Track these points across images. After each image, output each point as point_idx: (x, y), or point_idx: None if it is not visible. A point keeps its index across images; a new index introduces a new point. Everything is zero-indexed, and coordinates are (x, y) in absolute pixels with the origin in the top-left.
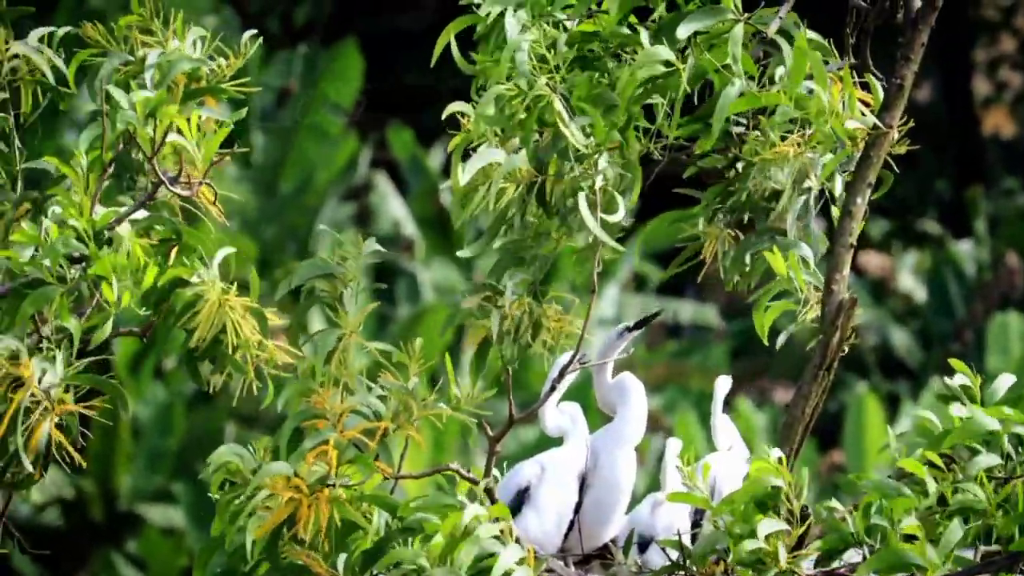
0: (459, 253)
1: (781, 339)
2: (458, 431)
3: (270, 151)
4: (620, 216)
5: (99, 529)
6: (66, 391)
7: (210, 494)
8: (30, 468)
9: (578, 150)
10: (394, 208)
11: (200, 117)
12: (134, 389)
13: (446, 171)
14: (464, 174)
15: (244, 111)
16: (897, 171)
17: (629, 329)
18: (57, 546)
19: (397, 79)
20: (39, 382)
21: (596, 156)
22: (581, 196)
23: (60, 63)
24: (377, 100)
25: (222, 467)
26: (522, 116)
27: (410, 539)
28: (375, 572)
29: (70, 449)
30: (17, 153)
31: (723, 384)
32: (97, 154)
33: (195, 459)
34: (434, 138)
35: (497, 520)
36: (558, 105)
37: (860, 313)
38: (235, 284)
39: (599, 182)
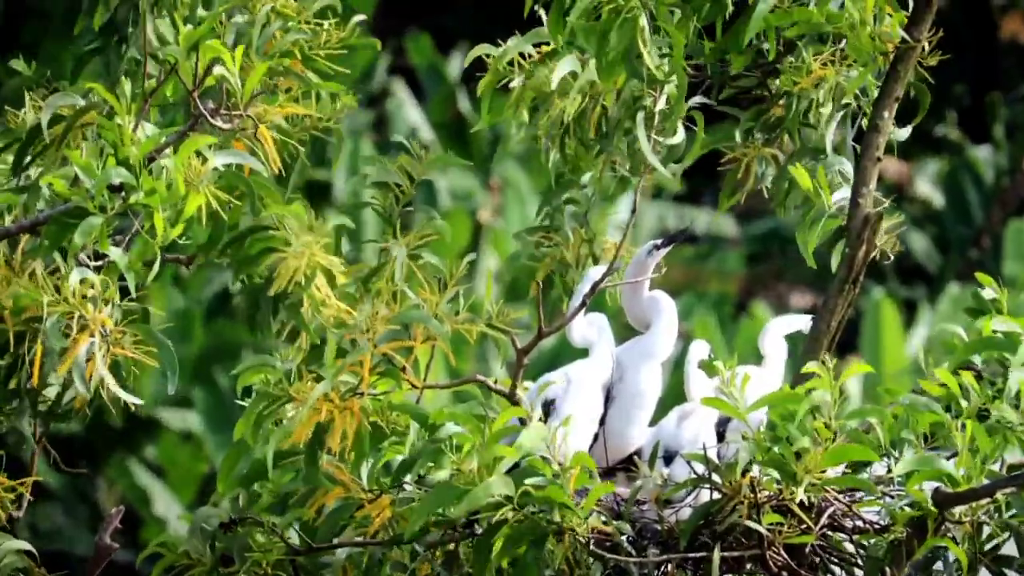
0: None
1: (834, 263)
2: (477, 340)
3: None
4: (679, 141)
5: (117, 434)
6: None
7: (237, 401)
8: (86, 394)
9: (649, 70)
10: (411, 114)
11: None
12: (150, 296)
13: (464, 79)
14: (556, 76)
15: (336, 87)
16: (927, 80)
17: (657, 247)
18: (74, 451)
19: None
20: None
21: (666, 80)
22: (640, 117)
23: None
24: (395, 6)
25: (247, 374)
26: (608, 26)
27: (441, 453)
28: (404, 481)
29: (111, 381)
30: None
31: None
32: (141, 84)
33: (213, 366)
34: (452, 44)
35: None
36: (643, 21)
37: (887, 225)
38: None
39: (661, 103)
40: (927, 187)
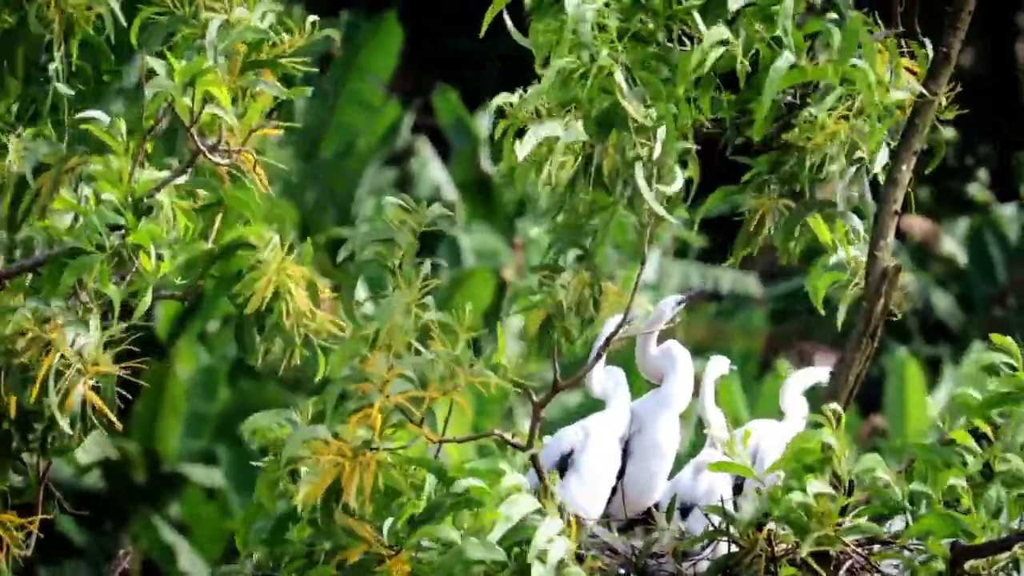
0: (531, 232)
1: (841, 314)
2: (501, 396)
3: (311, 116)
4: (678, 187)
5: (141, 491)
6: (105, 354)
7: (253, 463)
8: (68, 429)
9: (636, 121)
10: (435, 173)
11: (253, 88)
12: (177, 353)
13: (491, 136)
14: (523, 147)
15: (308, 89)
16: (945, 138)
17: (680, 302)
18: (99, 508)
19: (441, 45)
20: (72, 345)
21: (655, 127)
22: (638, 167)
23: (116, 10)
24: (421, 65)
25: (260, 432)
26: (581, 89)
27: (459, 507)
28: (419, 540)
29: (106, 411)
30: (66, 105)
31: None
32: (139, 121)
33: (238, 423)
34: (480, 102)
35: (536, 492)
36: (619, 77)
37: (906, 282)
38: (291, 251)
39: (657, 152)
40: (952, 245)
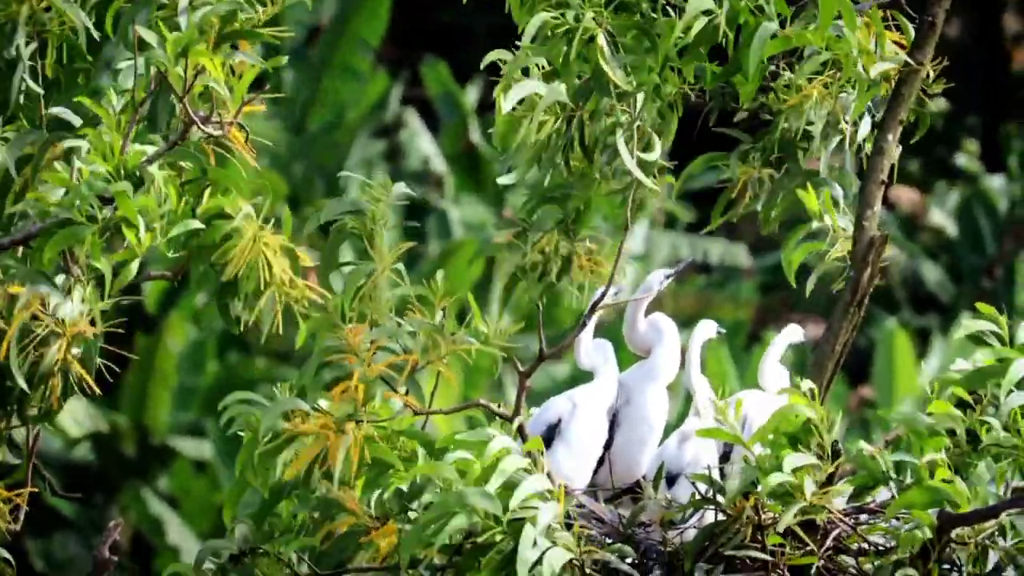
0: (499, 179)
1: (811, 282)
2: (489, 367)
3: (300, 88)
4: (657, 155)
5: (131, 464)
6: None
7: (241, 434)
8: (23, 386)
9: (618, 87)
10: (424, 145)
11: (232, 60)
12: (166, 327)
13: (480, 108)
14: (507, 102)
15: (284, 59)
16: (931, 109)
17: (668, 276)
18: (89, 481)
19: (431, 17)
20: (52, 311)
21: (636, 94)
22: (619, 134)
23: (86, 21)
24: (409, 37)
25: (238, 412)
26: (564, 48)
27: (448, 479)
28: (405, 505)
29: (86, 377)
30: (42, 101)
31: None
32: (129, 95)
33: (227, 396)
34: (469, 75)
35: (527, 454)
36: (602, 41)
37: (891, 255)
38: (270, 222)
39: (638, 120)
40: (941, 217)
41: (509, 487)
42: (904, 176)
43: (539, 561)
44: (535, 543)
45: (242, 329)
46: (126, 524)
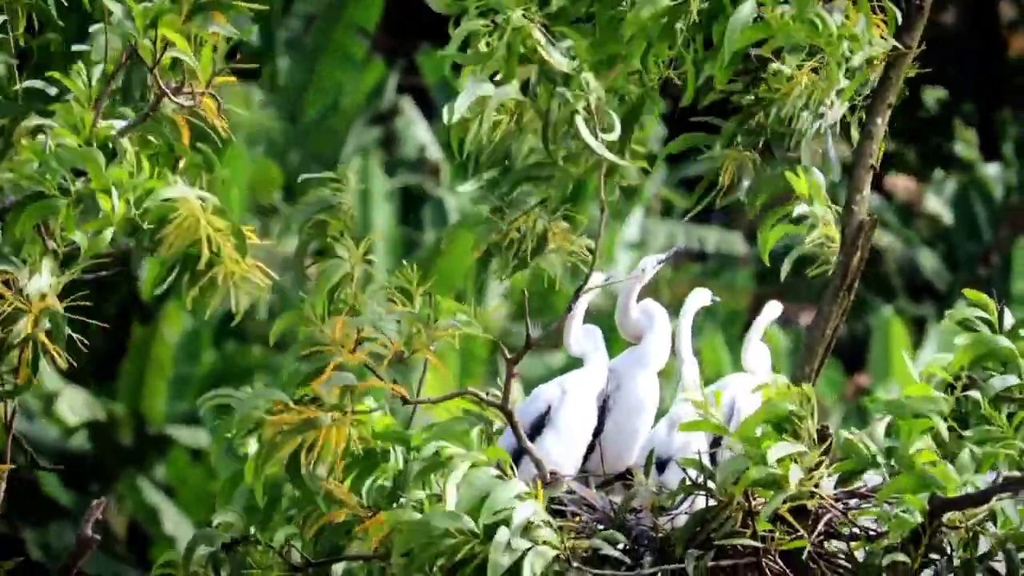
0: (459, 188)
1: (786, 265)
2: (485, 356)
3: (296, 76)
4: (615, 136)
5: (128, 453)
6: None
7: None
8: None
9: (562, 72)
10: (420, 133)
11: (204, 31)
12: (163, 316)
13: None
14: (458, 105)
15: (253, 29)
16: (922, 96)
17: (660, 261)
18: (85, 470)
19: (426, 5)
20: (21, 288)
21: (582, 75)
22: (578, 117)
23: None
24: (405, 26)
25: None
26: (503, 52)
27: (427, 472)
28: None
29: (57, 351)
30: (16, 73)
31: (699, 296)
32: (101, 67)
33: (223, 385)
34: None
35: (512, 450)
36: (537, 34)
37: (887, 243)
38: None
39: (592, 100)
40: (937, 205)
41: (482, 498)
42: (901, 164)
43: (518, 565)
44: (509, 545)
45: (195, 305)
46: (123, 513)
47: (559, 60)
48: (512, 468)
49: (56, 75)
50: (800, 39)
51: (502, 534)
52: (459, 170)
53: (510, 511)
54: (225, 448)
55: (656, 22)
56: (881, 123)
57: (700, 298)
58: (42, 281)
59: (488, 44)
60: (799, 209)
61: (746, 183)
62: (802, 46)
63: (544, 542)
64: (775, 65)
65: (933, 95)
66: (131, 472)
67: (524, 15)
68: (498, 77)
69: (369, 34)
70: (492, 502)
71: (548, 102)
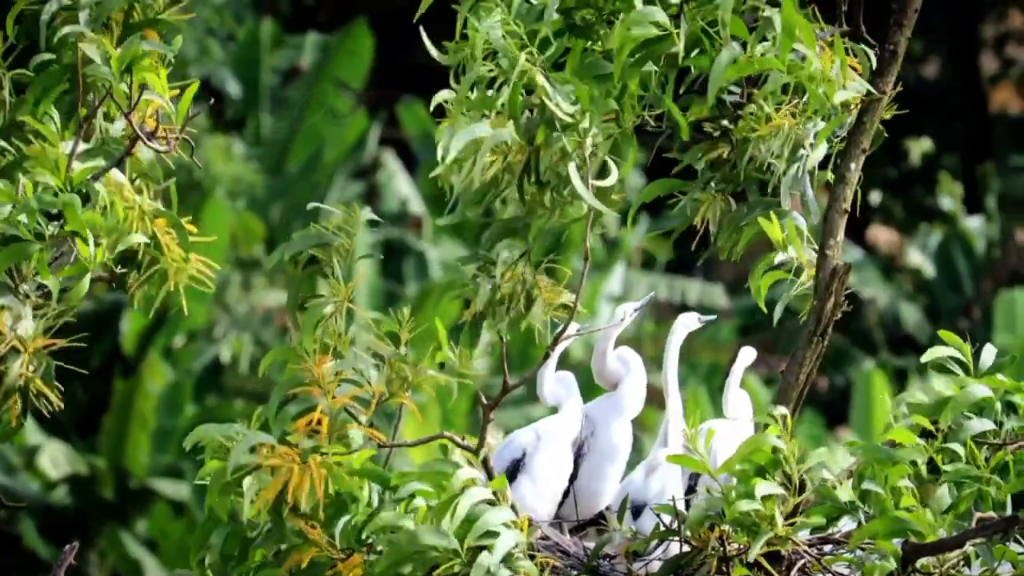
0: (438, 221)
1: (778, 310)
2: (467, 407)
3: (279, 129)
4: (612, 181)
5: (109, 507)
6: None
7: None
8: None
9: (563, 119)
10: (402, 186)
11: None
12: (145, 369)
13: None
14: (451, 150)
15: (179, 39)
16: (907, 148)
17: (636, 309)
18: (67, 524)
19: (408, 58)
20: (15, 328)
21: (582, 123)
22: (571, 164)
23: None
24: (387, 79)
25: (208, 443)
26: (504, 95)
27: (404, 512)
28: (368, 539)
29: (48, 392)
30: None
31: (746, 355)
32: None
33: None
34: (446, 114)
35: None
36: (540, 79)
37: (870, 296)
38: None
39: (588, 148)
40: (919, 258)
41: (471, 520)
42: (886, 217)
43: None
44: (490, 572)
45: (149, 304)
46: (105, 567)
47: (562, 105)
48: (506, 495)
49: (28, 119)
50: (783, 76)
51: (484, 558)
52: (440, 228)
53: (496, 536)
54: (222, 494)
55: (637, 60)
56: (855, 168)
57: (688, 322)
58: (26, 324)
59: (491, 91)
60: (780, 257)
61: (718, 229)
62: (778, 82)
63: (524, 575)
64: (751, 107)
65: (918, 148)
66: (113, 526)
67: (527, 59)
68: (491, 120)
69: (353, 90)
70: (482, 523)
71: (544, 147)
